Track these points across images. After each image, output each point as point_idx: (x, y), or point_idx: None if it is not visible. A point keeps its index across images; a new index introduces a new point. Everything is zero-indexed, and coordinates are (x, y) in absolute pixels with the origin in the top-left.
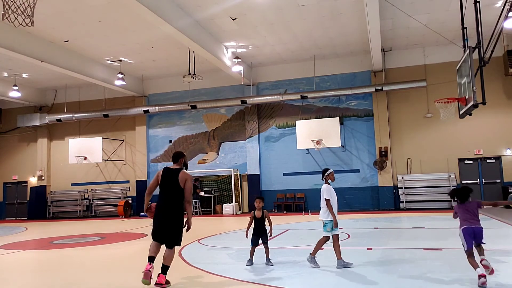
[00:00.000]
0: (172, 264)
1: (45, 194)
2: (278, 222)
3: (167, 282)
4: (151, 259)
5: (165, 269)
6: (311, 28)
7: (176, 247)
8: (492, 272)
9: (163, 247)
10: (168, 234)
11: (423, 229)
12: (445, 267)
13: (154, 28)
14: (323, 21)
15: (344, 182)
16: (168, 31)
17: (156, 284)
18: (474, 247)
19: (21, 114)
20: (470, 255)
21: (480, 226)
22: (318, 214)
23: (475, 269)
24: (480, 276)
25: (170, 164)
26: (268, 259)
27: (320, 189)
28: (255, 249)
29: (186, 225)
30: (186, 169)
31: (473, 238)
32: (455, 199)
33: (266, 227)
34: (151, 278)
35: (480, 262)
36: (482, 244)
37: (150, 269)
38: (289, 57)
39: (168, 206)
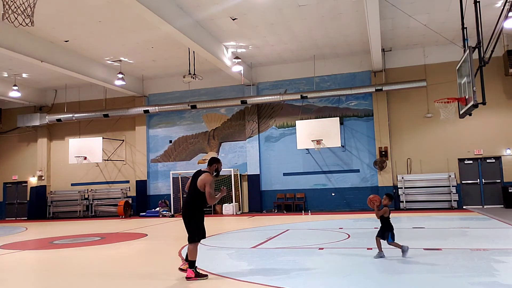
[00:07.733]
0: (172, 264)
1: (45, 194)
2: (278, 222)
3: None
4: None
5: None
6: (311, 28)
7: None
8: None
9: None
10: None
11: (423, 229)
12: (445, 267)
13: (154, 28)
14: (323, 21)
15: (344, 182)
16: (168, 31)
17: None
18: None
19: (21, 114)
20: None
21: None
22: (318, 214)
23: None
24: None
25: (169, 165)
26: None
27: (320, 188)
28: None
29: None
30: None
31: None
32: None
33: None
34: None
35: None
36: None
37: None
38: (289, 57)
39: None
